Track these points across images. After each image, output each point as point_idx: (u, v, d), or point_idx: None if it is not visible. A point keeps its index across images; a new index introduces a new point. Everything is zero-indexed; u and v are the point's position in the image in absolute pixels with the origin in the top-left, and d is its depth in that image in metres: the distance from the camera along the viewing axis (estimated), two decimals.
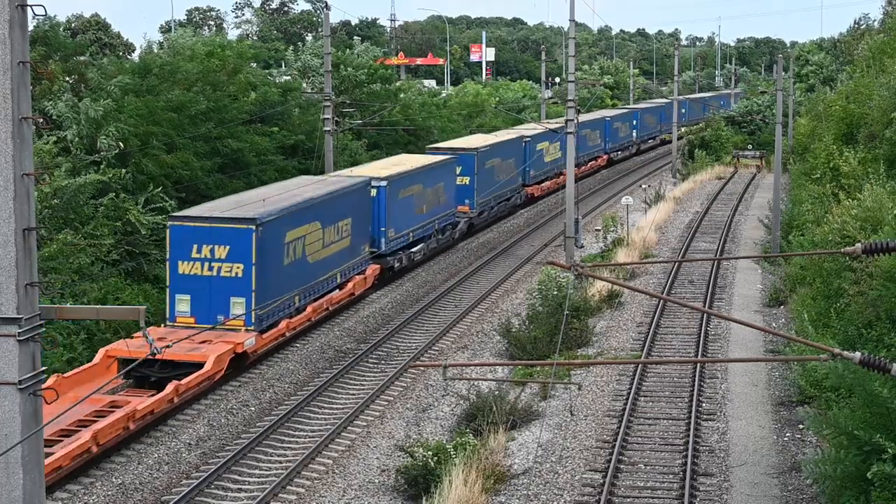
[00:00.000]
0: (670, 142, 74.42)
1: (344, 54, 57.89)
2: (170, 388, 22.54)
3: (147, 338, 10.08)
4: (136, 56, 58.58)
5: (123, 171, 32.22)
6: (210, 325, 25.06)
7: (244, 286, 25.69)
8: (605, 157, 73.06)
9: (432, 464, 19.45)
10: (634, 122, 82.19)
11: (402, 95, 61.36)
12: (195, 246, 25.82)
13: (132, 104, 35.00)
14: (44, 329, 10.22)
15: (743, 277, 37.36)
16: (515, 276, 39.75)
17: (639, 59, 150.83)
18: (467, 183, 45.75)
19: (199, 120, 38.38)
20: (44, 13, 9.87)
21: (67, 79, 36.43)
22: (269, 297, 25.98)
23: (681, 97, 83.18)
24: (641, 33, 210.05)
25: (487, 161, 48.04)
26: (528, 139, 54.27)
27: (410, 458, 20.19)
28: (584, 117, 62.50)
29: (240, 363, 25.89)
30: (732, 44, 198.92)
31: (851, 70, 52.11)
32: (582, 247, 41.06)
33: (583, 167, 63.53)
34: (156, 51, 47.97)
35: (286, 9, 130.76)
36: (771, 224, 42.65)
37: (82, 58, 40.35)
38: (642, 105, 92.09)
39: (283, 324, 27.76)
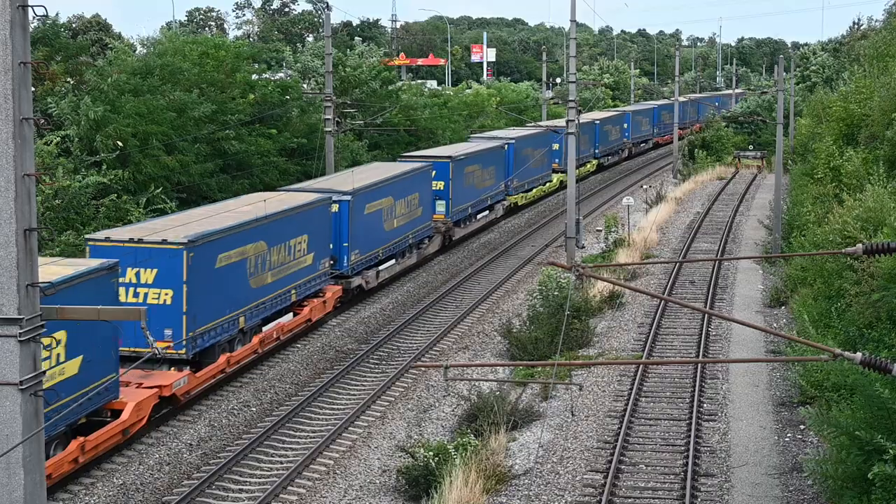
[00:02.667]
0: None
1: (346, 55, 57.87)
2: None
3: (148, 338, 10.09)
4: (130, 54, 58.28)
5: (123, 171, 32.23)
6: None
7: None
8: (440, 231, 42.09)
9: (433, 464, 19.45)
10: (495, 171, 48.85)
11: (403, 96, 61.34)
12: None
13: (129, 103, 34.98)
14: (45, 330, 10.23)
15: (744, 278, 37.35)
16: (516, 276, 39.75)
17: (640, 59, 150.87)
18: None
19: (202, 122, 38.40)
20: (44, 13, 9.87)
21: (69, 80, 36.43)
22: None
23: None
24: (642, 34, 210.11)
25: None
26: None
27: (411, 458, 20.20)
28: (370, 174, 36.91)
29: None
30: (733, 44, 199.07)
31: (852, 71, 52.08)
32: (583, 247, 41.07)
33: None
34: (140, 49, 47.84)
35: (287, 9, 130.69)
36: (772, 224, 42.65)
37: (83, 58, 40.35)
38: (513, 133, 57.14)
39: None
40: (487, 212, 48.91)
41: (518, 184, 53.74)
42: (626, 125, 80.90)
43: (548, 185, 60.08)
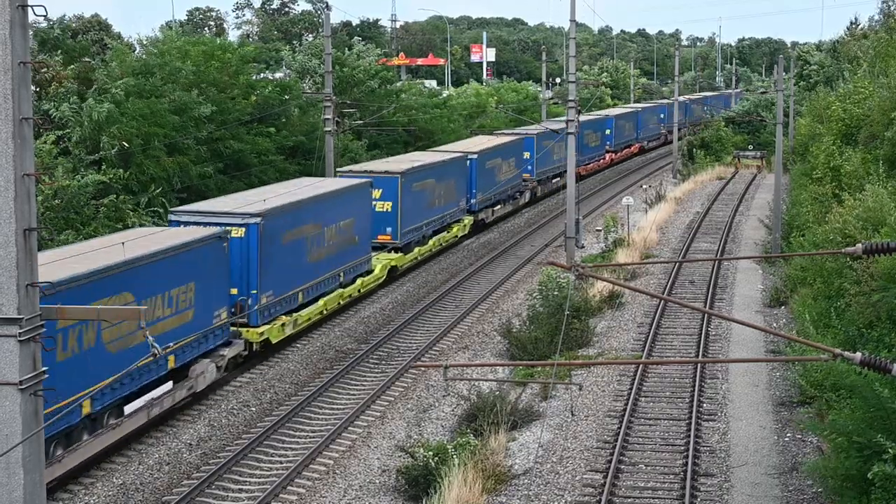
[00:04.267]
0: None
1: (344, 54, 57.88)
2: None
3: (147, 338, 10.09)
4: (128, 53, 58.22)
5: (124, 171, 32.22)
6: None
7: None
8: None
9: (433, 464, 19.45)
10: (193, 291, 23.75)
11: (402, 95, 61.39)
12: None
13: (134, 105, 35.01)
14: (44, 329, 10.23)
15: (744, 278, 37.35)
16: (516, 276, 39.75)
17: (639, 59, 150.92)
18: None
19: (202, 122, 38.40)
20: (44, 13, 9.87)
21: (72, 81, 36.40)
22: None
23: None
24: (642, 34, 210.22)
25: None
26: None
27: (411, 458, 20.20)
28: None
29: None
30: (733, 44, 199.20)
31: (853, 70, 52.09)
32: (582, 247, 41.05)
33: None
34: (138, 49, 47.85)
35: (286, 9, 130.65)
36: (772, 224, 42.65)
37: (88, 60, 40.35)
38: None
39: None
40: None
41: (270, 300, 27.20)
42: (527, 154, 54.83)
43: (358, 281, 33.37)
